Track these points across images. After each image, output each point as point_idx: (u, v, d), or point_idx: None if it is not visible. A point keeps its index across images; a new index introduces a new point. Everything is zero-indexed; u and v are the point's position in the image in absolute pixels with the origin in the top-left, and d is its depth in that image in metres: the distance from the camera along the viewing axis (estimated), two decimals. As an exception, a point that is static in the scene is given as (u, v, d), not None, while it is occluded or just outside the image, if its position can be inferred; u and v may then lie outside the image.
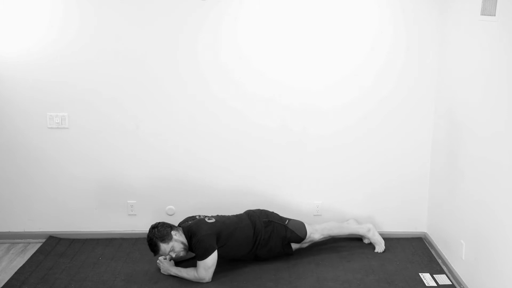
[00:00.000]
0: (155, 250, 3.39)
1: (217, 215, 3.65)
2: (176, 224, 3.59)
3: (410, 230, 4.12)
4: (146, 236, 3.49)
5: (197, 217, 3.58)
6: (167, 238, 3.37)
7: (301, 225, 3.71)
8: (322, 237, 3.78)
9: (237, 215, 3.69)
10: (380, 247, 3.85)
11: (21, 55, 3.78)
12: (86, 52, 3.79)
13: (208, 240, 3.36)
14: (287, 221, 3.70)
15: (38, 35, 3.76)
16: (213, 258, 3.37)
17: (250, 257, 3.63)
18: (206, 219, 3.49)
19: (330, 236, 3.84)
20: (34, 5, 3.71)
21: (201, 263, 3.36)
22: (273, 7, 3.75)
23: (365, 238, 3.95)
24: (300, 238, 3.68)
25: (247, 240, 3.55)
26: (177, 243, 3.40)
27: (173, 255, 3.43)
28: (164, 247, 3.37)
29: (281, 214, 3.84)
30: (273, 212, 3.78)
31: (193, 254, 3.53)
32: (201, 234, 3.37)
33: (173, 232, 3.40)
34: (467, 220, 3.28)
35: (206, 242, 3.36)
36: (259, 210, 3.77)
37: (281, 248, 3.66)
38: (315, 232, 3.73)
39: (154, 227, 3.42)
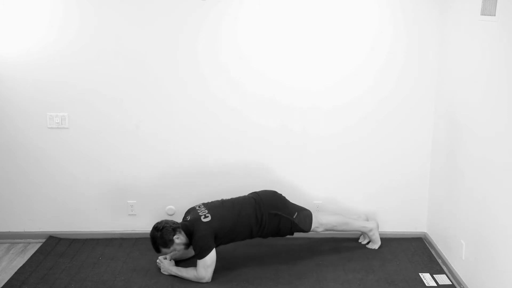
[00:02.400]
0: (157, 251, 3.46)
1: (219, 203, 3.58)
2: (180, 220, 3.63)
3: (410, 230, 4.12)
4: (146, 236, 3.53)
5: (197, 208, 3.56)
6: (169, 244, 3.40)
7: (308, 219, 3.66)
8: (325, 231, 3.79)
9: (241, 202, 3.58)
10: (375, 245, 3.89)
11: (21, 55, 3.78)
12: (86, 52, 3.79)
13: (205, 240, 3.37)
14: (296, 214, 3.63)
15: (38, 35, 3.76)
16: (211, 257, 3.37)
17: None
18: (202, 218, 3.43)
19: (333, 230, 3.85)
20: (34, 5, 3.71)
21: (200, 262, 3.37)
22: (273, 7, 3.75)
23: (364, 237, 3.96)
24: (304, 231, 3.68)
25: (249, 229, 3.53)
26: (178, 246, 3.44)
27: (175, 254, 3.53)
28: (165, 251, 3.44)
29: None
30: (285, 199, 3.70)
31: (194, 253, 3.55)
32: (197, 235, 3.38)
33: (175, 237, 3.41)
34: (467, 220, 3.28)
35: (202, 242, 3.37)
36: (270, 194, 3.68)
37: (286, 235, 3.71)
38: (319, 226, 3.71)
39: (158, 230, 3.40)
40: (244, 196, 3.67)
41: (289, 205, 3.69)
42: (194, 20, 3.76)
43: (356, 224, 3.86)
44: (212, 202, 3.63)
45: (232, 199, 3.65)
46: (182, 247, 3.47)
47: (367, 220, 3.99)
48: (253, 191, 3.76)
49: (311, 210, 3.76)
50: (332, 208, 4.06)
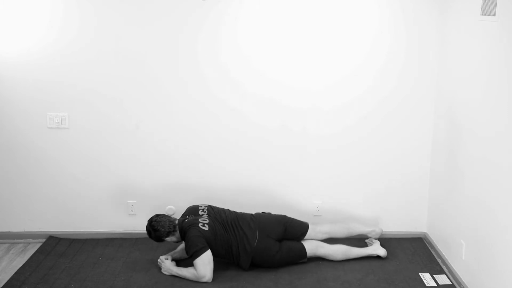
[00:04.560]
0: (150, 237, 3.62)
1: (222, 218, 3.57)
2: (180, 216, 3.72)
3: (410, 230, 4.12)
4: (146, 236, 3.62)
5: (199, 210, 3.59)
6: (159, 241, 3.58)
7: (297, 258, 3.60)
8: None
9: (242, 235, 3.51)
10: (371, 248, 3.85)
11: (21, 55, 3.78)
12: (86, 52, 3.79)
13: (196, 242, 3.38)
14: (288, 262, 3.58)
15: (38, 35, 3.76)
16: (207, 254, 3.38)
17: None
18: (200, 225, 3.44)
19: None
20: (34, 5, 3.71)
21: (198, 261, 3.37)
22: (273, 7, 3.75)
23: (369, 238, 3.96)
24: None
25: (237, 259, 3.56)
26: (170, 243, 3.66)
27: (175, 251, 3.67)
28: (158, 243, 3.71)
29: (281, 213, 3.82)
30: (288, 250, 3.56)
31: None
32: (188, 237, 3.42)
33: (167, 239, 3.54)
34: (467, 220, 3.28)
35: (195, 242, 3.38)
36: (268, 245, 3.52)
37: None
38: (312, 253, 3.65)
39: (154, 228, 3.51)
40: (249, 227, 3.54)
41: (288, 256, 3.56)
42: (194, 20, 3.76)
43: (360, 252, 3.73)
44: (217, 210, 3.63)
45: (235, 220, 3.57)
46: (174, 242, 3.64)
47: (374, 230, 3.90)
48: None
49: (311, 249, 3.62)
50: (331, 209, 4.07)
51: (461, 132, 3.39)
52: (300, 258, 3.61)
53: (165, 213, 4.03)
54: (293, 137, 3.97)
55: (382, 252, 3.74)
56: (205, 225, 3.46)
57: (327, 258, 3.67)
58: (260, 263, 3.54)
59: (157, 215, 3.57)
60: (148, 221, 3.56)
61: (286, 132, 3.96)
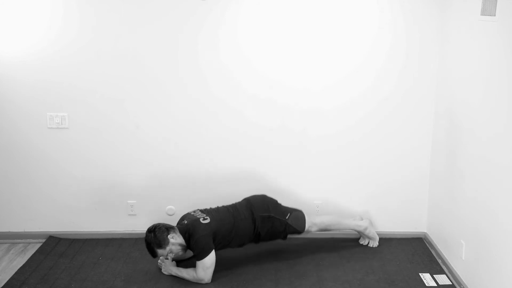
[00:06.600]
0: (153, 254, 3.42)
1: (214, 208, 3.61)
2: (175, 223, 3.60)
3: (410, 230, 4.13)
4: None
5: (192, 213, 3.56)
6: (163, 243, 3.36)
7: (301, 219, 3.69)
8: (319, 231, 3.81)
9: (235, 206, 3.63)
10: (375, 242, 3.93)
11: (22, 55, 3.78)
12: (86, 52, 3.79)
13: (205, 241, 3.36)
14: (288, 215, 3.66)
15: (38, 35, 3.76)
16: (211, 258, 3.37)
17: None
18: (201, 220, 3.44)
19: (327, 230, 3.86)
20: (34, 5, 3.71)
21: (199, 264, 3.36)
22: (273, 7, 3.75)
23: (362, 237, 3.98)
24: (298, 232, 3.70)
25: (246, 232, 3.56)
26: (174, 246, 3.40)
27: (172, 256, 3.46)
28: (161, 252, 3.39)
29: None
30: (276, 202, 3.73)
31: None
32: (197, 236, 3.37)
33: (170, 236, 3.39)
34: (467, 220, 3.28)
35: (202, 243, 3.35)
36: (260, 198, 3.72)
37: (280, 237, 3.70)
38: (313, 225, 3.74)
39: (151, 231, 3.40)
40: (237, 202, 3.71)
41: (281, 207, 3.72)
42: (194, 20, 3.76)
43: (350, 223, 3.89)
44: (206, 208, 3.64)
45: (225, 205, 3.68)
46: (179, 248, 3.42)
47: (361, 219, 4.00)
48: (249, 193, 3.80)
49: (306, 211, 3.78)
50: (331, 209, 4.07)
51: (461, 132, 3.39)
52: (300, 216, 3.70)
53: (165, 213, 4.04)
54: (293, 138, 3.97)
55: (363, 225, 3.90)
56: (206, 218, 3.46)
57: (321, 225, 3.77)
58: (266, 211, 3.61)
59: (151, 225, 3.50)
60: (146, 232, 3.45)
61: (286, 132, 3.96)
